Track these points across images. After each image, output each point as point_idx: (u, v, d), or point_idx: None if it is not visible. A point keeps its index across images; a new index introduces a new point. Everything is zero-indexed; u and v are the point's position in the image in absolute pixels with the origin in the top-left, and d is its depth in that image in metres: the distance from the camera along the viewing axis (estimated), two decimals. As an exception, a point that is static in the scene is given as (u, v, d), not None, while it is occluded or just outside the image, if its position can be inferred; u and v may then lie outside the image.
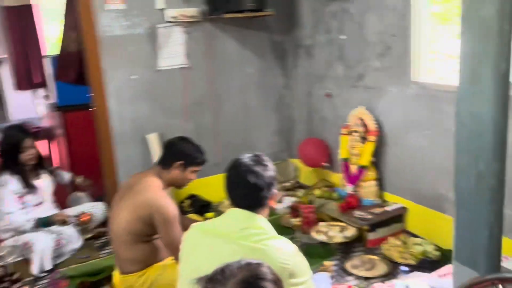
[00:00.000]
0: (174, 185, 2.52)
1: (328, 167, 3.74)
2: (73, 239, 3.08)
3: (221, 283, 0.99)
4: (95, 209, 3.30)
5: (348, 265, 2.74)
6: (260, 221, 1.63)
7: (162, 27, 3.44)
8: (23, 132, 3.10)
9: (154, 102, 3.58)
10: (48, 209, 3.11)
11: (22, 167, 3.01)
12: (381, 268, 2.69)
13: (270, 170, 1.69)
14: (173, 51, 3.54)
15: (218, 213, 3.62)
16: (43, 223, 2.96)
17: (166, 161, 2.45)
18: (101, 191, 3.72)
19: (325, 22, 3.57)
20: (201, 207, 3.72)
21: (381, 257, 2.80)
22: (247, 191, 1.64)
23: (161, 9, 3.42)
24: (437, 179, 2.83)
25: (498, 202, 0.87)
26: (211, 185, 3.85)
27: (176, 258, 2.21)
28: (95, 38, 3.24)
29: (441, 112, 2.71)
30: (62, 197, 3.50)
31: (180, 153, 2.44)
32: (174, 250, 2.20)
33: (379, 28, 3.04)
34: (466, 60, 0.86)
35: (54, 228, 2.99)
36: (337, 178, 3.70)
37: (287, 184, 4.15)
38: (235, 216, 1.64)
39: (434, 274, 1.74)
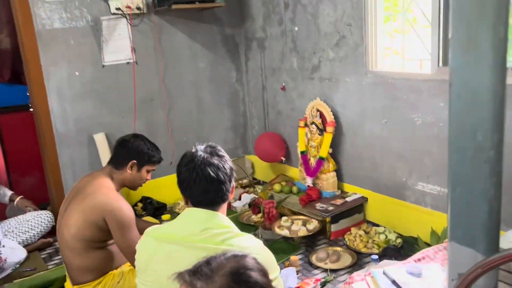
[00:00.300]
0: (128, 186, 2.36)
1: (286, 161, 3.69)
2: (15, 251, 2.80)
3: (208, 276, 0.91)
4: (38, 218, 3.03)
5: (313, 258, 2.68)
6: (221, 219, 1.52)
7: (106, 20, 3.23)
8: None
9: (100, 99, 3.36)
10: None
11: None
12: (346, 259, 2.66)
13: (228, 161, 1.59)
14: (119, 45, 3.33)
15: (174, 215, 3.47)
16: None
17: (118, 161, 2.29)
18: (45, 198, 3.45)
19: (277, 13, 3.50)
20: (155, 209, 3.55)
21: (345, 248, 2.77)
22: (207, 186, 1.51)
23: (105, 0, 3.20)
24: (395, 167, 2.85)
25: (498, 175, 0.81)
26: (165, 186, 3.68)
27: (132, 264, 2.06)
28: (33, 32, 2.97)
29: (398, 100, 2.72)
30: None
31: (133, 152, 2.30)
32: (132, 255, 2.05)
33: (334, 17, 3.02)
34: (460, 26, 0.80)
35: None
36: (295, 172, 3.65)
37: (245, 181, 4.06)
38: (193, 217, 1.51)
39: (410, 259, 1.72)
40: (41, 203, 3.51)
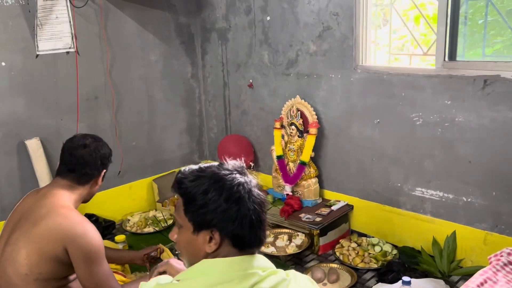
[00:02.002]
0: (86, 199, 1.85)
1: (255, 167, 3.31)
2: None
3: None
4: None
5: (308, 280, 2.33)
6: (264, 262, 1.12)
7: (42, -2, 2.60)
8: None
9: (34, 97, 2.71)
10: None
11: None
12: (346, 278, 2.36)
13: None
14: (58, 31, 2.72)
15: (126, 233, 2.94)
16: None
17: (86, 173, 1.76)
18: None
19: (244, 0, 3.11)
20: (103, 229, 2.96)
21: (339, 264, 2.47)
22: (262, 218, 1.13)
23: (39, -26, 2.58)
24: (389, 171, 2.61)
25: None
26: (112, 200, 3.13)
27: None
28: None
29: (395, 98, 2.48)
30: None
31: (103, 159, 1.80)
32: None
33: (316, 6, 2.70)
34: None
35: None
36: (265, 178, 3.28)
37: (202, 189, 3.60)
38: (240, 268, 1.07)
39: (469, 284, 1.43)
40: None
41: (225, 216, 1.07)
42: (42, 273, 1.60)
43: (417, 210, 2.52)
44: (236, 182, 1.09)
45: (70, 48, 2.79)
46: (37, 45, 2.65)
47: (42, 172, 2.70)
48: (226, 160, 1.17)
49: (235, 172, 1.13)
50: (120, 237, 2.79)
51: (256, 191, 1.12)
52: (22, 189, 2.71)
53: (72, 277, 1.75)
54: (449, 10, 2.21)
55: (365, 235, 2.76)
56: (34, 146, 2.69)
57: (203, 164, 1.17)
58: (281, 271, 1.10)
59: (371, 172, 2.69)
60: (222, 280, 1.03)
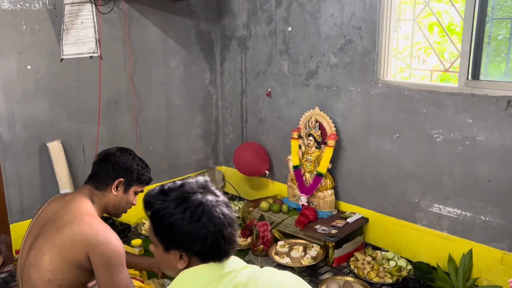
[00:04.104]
0: (110, 211, 1.91)
1: (269, 175, 3.32)
2: None
3: None
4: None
5: (323, 292, 2.35)
6: (239, 263, 1.24)
7: (69, 4, 2.64)
8: None
9: (57, 100, 2.75)
10: None
11: None
12: (361, 291, 2.37)
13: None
14: (83, 35, 2.76)
15: (141, 237, 2.97)
16: None
17: (101, 179, 1.84)
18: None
19: (266, 10, 3.13)
20: (119, 232, 3.00)
21: (354, 278, 2.47)
22: (231, 234, 1.21)
23: (67, -20, 2.62)
24: (406, 186, 2.61)
25: None
26: (129, 203, 3.15)
27: None
28: (-27, 11, 2.32)
29: (415, 114, 2.48)
30: None
31: (121, 168, 1.86)
32: None
33: (339, 19, 2.71)
34: None
35: None
36: (279, 187, 3.30)
37: (216, 195, 3.62)
38: (212, 275, 1.18)
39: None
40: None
41: (189, 237, 1.15)
42: (65, 279, 1.63)
43: (434, 227, 2.52)
44: (197, 203, 1.17)
45: (94, 52, 2.83)
46: (62, 49, 2.69)
47: (62, 174, 2.73)
48: (193, 178, 1.26)
49: (198, 192, 1.21)
50: (136, 241, 2.83)
51: (219, 209, 1.19)
52: (42, 191, 2.75)
53: (91, 284, 1.78)
54: (474, 29, 2.22)
55: (379, 249, 2.77)
56: (55, 148, 2.73)
57: (167, 185, 1.24)
58: (254, 266, 1.22)
59: (388, 186, 2.69)
60: (204, 284, 1.13)
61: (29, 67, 2.59)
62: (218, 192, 1.26)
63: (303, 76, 3.00)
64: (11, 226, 2.67)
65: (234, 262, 1.21)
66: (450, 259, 2.41)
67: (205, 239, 1.15)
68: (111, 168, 1.84)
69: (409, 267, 2.54)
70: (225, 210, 1.21)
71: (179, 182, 1.25)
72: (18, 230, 2.62)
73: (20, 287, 1.75)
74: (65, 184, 2.72)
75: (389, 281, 2.44)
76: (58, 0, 2.62)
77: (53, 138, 2.75)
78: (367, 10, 2.57)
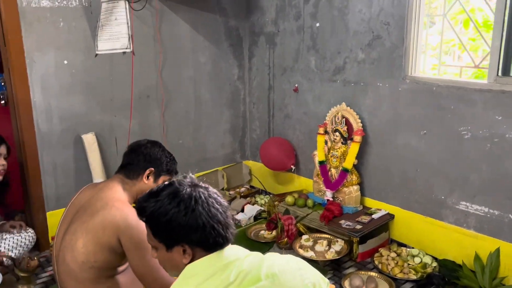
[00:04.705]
0: None
1: (295, 170, 3.35)
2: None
3: None
4: (18, 237, 2.51)
5: (346, 285, 2.38)
6: (242, 251, 1.30)
7: (105, 1, 2.74)
8: None
9: (91, 94, 2.87)
10: None
11: None
12: (385, 287, 2.38)
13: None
14: (116, 32, 2.85)
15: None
16: None
17: (132, 168, 1.92)
18: (18, 205, 2.91)
19: (294, 6, 3.15)
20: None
21: (378, 273, 2.49)
22: (223, 225, 1.27)
23: (102, -22, 2.72)
24: (432, 183, 2.59)
25: None
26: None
27: None
28: (15, 9, 2.45)
29: (443, 111, 2.46)
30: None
31: (151, 158, 1.94)
32: (151, 283, 1.71)
33: (368, 15, 2.71)
34: None
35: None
36: (305, 182, 3.33)
37: (242, 189, 3.69)
38: (216, 265, 1.22)
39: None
40: (13, 210, 2.99)
41: (188, 228, 1.20)
42: (97, 261, 1.72)
43: (460, 224, 2.50)
44: (188, 195, 1.23)
45: (126, 48, 2.92)
46: (96, 45, 2.80)
47: (96, 165, 2.85)
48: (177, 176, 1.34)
49: (187, 186, 1.27)
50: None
51: (211, 198, 1.26)
52: (76, 180, 2.87)
53: (121, 268, 1.87)
54: (505, 25, 2.18)
55: (405, 245, 2.76)
56: (89, 140, 2.84)
57: (155, 188, 1.30)
58: (256, 253, 1.26)
59: (415, 183, 2.68)
60: (208, 276, 1.17)
61: (65, 62, 2.71)
62: (206, 185, 1.32)
63: (330, 71, 3.02)
64: (47, 213, 2.80)
65: (236, 251, 1.25)
66: (477, 257, 2.39)
67: (204, 227, 1.21)
68: (142, 159, 1.92)
69: (434, 264, 2.53)
70: (217, 198, 1.28)
71: (166, 183, 1.31)
72: (54, 217, 2.74)
73: (55, 270, 1.86)
74: (98, 174, 2.83)
75: (413, 277, 2.44)
76: (93, -2, 2.73)
77: (88, 130, 2.86)
78: (395, 6, 2.56)
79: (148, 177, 1.92)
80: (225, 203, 1.30)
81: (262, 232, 3.02)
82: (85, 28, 2.74)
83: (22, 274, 2.35)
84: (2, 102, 2.84)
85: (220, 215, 1.25)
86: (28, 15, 2.52)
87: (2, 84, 2.77)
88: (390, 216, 2.82)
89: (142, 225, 1.73)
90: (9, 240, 2.51)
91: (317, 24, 3.03)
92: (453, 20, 2.73)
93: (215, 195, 1.29)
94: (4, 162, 2.39)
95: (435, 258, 2.58)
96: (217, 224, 1.23)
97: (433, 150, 2.55)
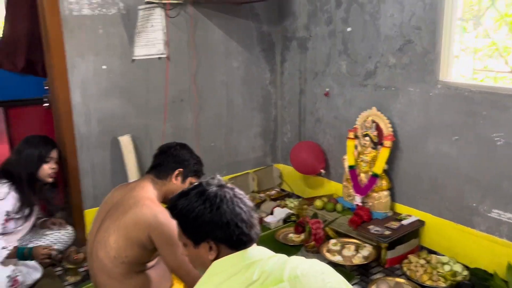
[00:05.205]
0: (169, 198, 2.03)
1: (325, 174, 3.36)
2: (31, 271, 2.43)
3: None
4: (58, 233, 2.66)
5: (373, 291, 2.37)
6: (264, 251, 1.33)
7: (141, 9, 2.86)
8: (50, 142, 2.57)
9: (128, 98, 2.99)
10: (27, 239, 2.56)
11: (34, 183, 2.47)
12: (412, 293, 2.35)
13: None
14: (152, 38, 2.97)
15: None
16: (23, 255, 2.34)
17: (162, 169, 2.02)
18: (58, 208, 3.06)
19: (326, 11, 3.17)
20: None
21: (406, 280, 2.46)
22: (247, 224, 1.31)
23: (139, -13, 2.84)
24: (464, 190, 2.55)
25: None
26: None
27: (189, 286, 1.75)
28: (58, 18, 2.60)
29: (476, 117, 2.42)
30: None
31: (180, 160, 2.03)
32: (184, 276, 1.79)
33: (399, 20, 2.70)
34: None
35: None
36: (335, 186, 3.33)
37: (273, 192, 3.73)
38: (237, 265, 1.26)
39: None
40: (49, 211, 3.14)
41: (213, 225, 1.26)
42: (128, 257, 1.81)
43: (493, 233, 2.44)
44: (214, 194, 1.30)
45: (162, 54, 3.03)
46: (133, 50, 2.92)
47: (131, 166, 2.96)
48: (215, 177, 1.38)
49: (214, 186, 1.33)
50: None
51: (236, 198, 1.31)
52: (112, 180, 3.00)
53: (150, 264, 1.95)
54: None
55: (435, 253, 2.72)
56: (125, 142, 2.97)
57: (185, 189, 1.38)
58: (281, 255, 1.29)
59: (446, 190, 2.64)
60: (232, 274, 1.21)
61: (104, 67, 2.84)
62: (232, 186, 1.37)
63: (361, 76, 3.02)
64: (85, 211, 2.94)
65: (261, 251, 1.29)
66: (510, 267, 2.33)
67: (228, 224, 1.26)
68: (172, 160, 2.01)
69: (465, 272, 2.48)
70: (242, 198, 1.33)
71: (196, 183, 1.39)
72: (91, 215, 2.85)
73: (90, 264, 1.96)
74: (133, 175, 2.94)
75: (443, 285, 2.39)
76: (131, 6, 2.84)
77: (124, 133, 2.99)
78: (427, 10, 2.54)
79: (176, 177, 2.00)
80: (250, 204, 1.35)
81: (291, 235, 3.04)
82: (123, 34, 2.86)
83: (69, 266, 2.50)
84: (46, 104, 3.01)
85: (244, 214, 1.30)
86: (70, 23, 2.66)
87: (46, 87, 2.93)
88: (420, 223, 2.78)
89: (171, 222, 1.80)
90: (50, 236, 2.66)
91: (349, 29, 3.04)
92: (498, 22, 2.65)
93: (241, 196, 1.34)
94: (55, 166, 2.55)
95: (466, 267, 2.53)
96: (240, 222, 1.28)
97: (465, 156, 2.51)
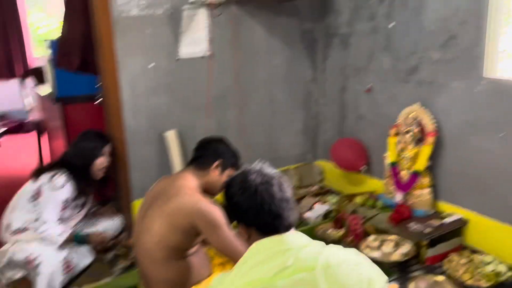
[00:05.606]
0: (208, 190, 2.18)
1: (367, 171, 3.35)
2: (83, 255, 2.61)
3: None
4: (110, 222, 2.84)
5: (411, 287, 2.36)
6: (300, 238, 1.37)
7: (186, 9, 2.97)
8: (105, 137, 2.78)
9: (173, 95, 3.12)
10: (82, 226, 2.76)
11: (89, 175, 2.65)
12: (452, 292, 2.32)
13: (282, 176, 1.48)
14: (196, 37, 3.08)
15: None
16: (79, 241, 2.57)
17: (203, 160, 2.14)
18: (109, 198, 3.25)
19: (368, 7, 3.16)
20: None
21: (446, 278, 2.42)
22: (278, 210, 1.37)
23: (185, -12, 2.95)
24: (510, 188, 2.47)
25: None
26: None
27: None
28: (109, 19, 2.76)
29: (523, 112, 2.35)
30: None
31: (219, 152, 2.16)
32: (231, 254, 1.87)
33: (443, 14, 2.65)
34: None
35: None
36: (376, 183, 3.32)
37: (313, 188, 3.75)
38: (273, 249, 1.32)
39: None
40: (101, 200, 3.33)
41: (245, 210, 1.36)
42: (171, 242, 1.92)
43: (541, 233, 2.36)
44: (253, 179, 1.38)
45: (205, 52, 3.13)
46: (178, 49, 3.04)
47: (177, 160, 3.10)
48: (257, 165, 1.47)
49: (255, 172, 1.41)
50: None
51: (273, 186, 1.38)
52: (158, 173, 3.12)
53: (191, 251, 2.05)
54: None
55: (478, 252, 2.65)
56: (171, 137, 3.10)
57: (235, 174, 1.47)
58: (318, 242, 1.33)
59: (492, 188, 2.57)
60: (268, 256, 1.27)
61: (151, 65, 2.98)
62: (275, 173, 1.44)
63: (403, 72, 2.99)
64: (133, 202, 3.10)
65: (298, 238, 1.34)
66: (558, 269, 2.25)
67: (262, 210, 1.35)
68: (211, 152, 2.14)
69: (510, 273, 2.41)
70: (281, 185, 1.40)
71: (242, 168, 1.49)
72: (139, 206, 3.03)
73: (135, 250, 2.09)
74: (178, 168, 3.07)
75: (485, 285, 2.34)
76: (177, 6, 2.96)
77: (170, 128, 3.12)
78: (473, 4, 2.48)
79: (215, 169, 2.12)
80: (288, 191, 1.41)
81: (329, 231, 3.06)
82: (169, 34, 2.99)
83: (120, 252, 2.68)
84: (98, 101, 3.20)
85: (280, 200, 1.36)
86: (120, 24, 2.82)
87: (98, 85, 3.11)
88: (463, 221, 2.72)
89: (212, 207, 1.92)
90: (101, 224, 2.84)
91: (391, 24, 3.01)
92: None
93: (280, 182, 1.40)
94: (108, 160, 2.73)
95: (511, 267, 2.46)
96: (275, 208, 1.35)
97: (510, 153, 2.43)
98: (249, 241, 1.37)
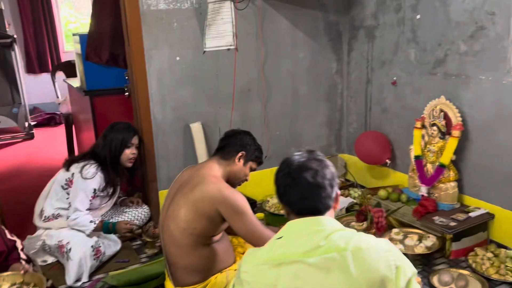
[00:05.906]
0: (231, 180, 2.23)
1: (391, 164, 3.34)
2: (111, 243, 2.70)
3: None
4: (135, 211, 2.93)
5: (434, 280, 2.35)
6: (331, 222, 1.38)
7: (212, 2, 3.01)
8: (133, 129, 2.85)
9: (199, 87, 3.17)
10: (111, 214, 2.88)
11: (117, 165, 2.75)
12: (475, 286, 2.30)
13: (329, 165, 1.46)
14: (222, 30, 3.11)
15: (265, 213, 3.25)
16: (108, 229, 2.66)
17: (227, 151, 2.19)
18: (136, 188, 3.34)
19: (394, -1, 3.13)
20: (247, 206, 3.33)
21: (471, 272, 2.41)
22: (304, 192, 1.38)
23: (210, -19, 2.99)
24: (539, 183, 2.43)
25: None
26: (256, 182, 3.44)
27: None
28: (138, 13, 2.82)
29: (553, 105, 2.30)
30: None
31: (243, 144, 2.21)
32: (257, 239, 1.91)
33: (471, 5, 2.61)
34: None
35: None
36: (400, 177, 3.30)
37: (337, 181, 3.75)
38: (303, 229, 1.36)
39: None
40: (128, 190, 3.43)
41: (277, 187, 1.45)
42: (196, 229, 1.97)
43: None
44: (292, 161, 1.43)
45: (231, 45, 3.17)
46: (204, 42, 3.09)
47: (201, 151, 3.16)
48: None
49: (298, 155, 1.46)
50: (259, 215, 3.12)
51: (307, 172, 1.39)
52: (184, 163, 3.20)
53: (216, 238, 2.10)
54: None
55: (505, 247, 2.62)
56: (196, 128, 3.16)
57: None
58: (349, 229, 1.36)
59: (519, 182, 2.53)
60: (301, 235, 1.33)
61: (177, 58, 3.04)
62: (320, 158, 1.46)
63: (430, 64, 2.95)
64: (159, 192, 3.18)
65: (333, 222, 1.37)
66: None
67: (290, 190, 1.41)
68: (236, 143, 2.19)
69: (537, 269, 2.38)
70: (315, 171, 1.40)
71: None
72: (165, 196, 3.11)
73: (161, 237, 2.16)
74: (203, 158, 3.13)
75: (510, 279, 2.32)
76: (203, 0, 3.01)
77: (195, 120, 3.18)
78: (502, -5, 2.44)
79: (239, 159, 2.17)
80: (329, 175, 1.42)
81: (353, 223, 3.07)
82: (195, 27, 3.04)
83: (148, 240, 2.76)
84: (126, 94, 3.28)
85: (309, 185, 1.39)
86: (148, 17, 2.88)
87: (127, 78, 3.20)
88: (489, 216, 2.69)
89: (236, 194, 1.97)
90: (129, 213, 2.92)
91: (418, 16, 2.98)
92: None
93: (316, 170, 1.41)
94: (135, 151, 2.81)
95: (538, 263, 2.42)
96: (303, 190, 1.38)
97: (541, 148, 2.39)
98: (289, 219, 1.43)
